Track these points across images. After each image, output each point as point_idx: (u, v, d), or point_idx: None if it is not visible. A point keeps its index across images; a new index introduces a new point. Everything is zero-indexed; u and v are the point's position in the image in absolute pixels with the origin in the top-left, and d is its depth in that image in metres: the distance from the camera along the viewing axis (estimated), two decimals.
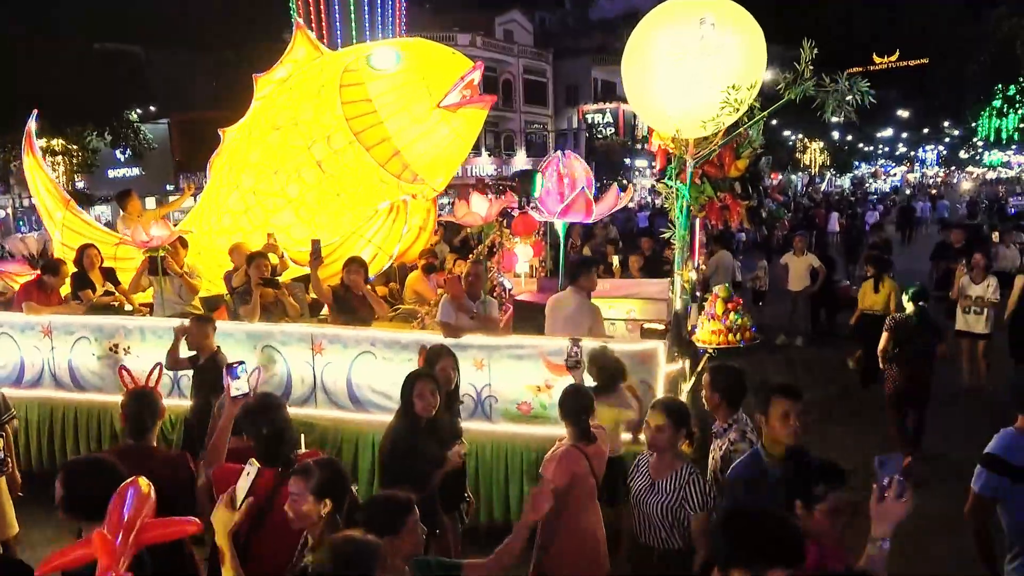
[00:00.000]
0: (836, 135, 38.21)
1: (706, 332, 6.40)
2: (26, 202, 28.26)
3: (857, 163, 50.84)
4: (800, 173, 37.04)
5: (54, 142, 25.95)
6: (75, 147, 25.84)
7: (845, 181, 47.34)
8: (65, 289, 6.73)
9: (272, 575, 2.77)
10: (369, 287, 5.66)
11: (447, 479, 3.83)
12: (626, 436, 4.35)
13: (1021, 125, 33.54)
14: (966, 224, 18.15)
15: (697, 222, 5.93)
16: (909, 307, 6.51)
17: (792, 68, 5.33)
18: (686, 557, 3.18)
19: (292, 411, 5.23)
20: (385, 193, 6.14)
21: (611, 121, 35.22)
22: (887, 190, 44.04)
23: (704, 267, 8.20)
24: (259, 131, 6.38)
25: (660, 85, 5.62)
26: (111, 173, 30.00)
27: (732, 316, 6.55)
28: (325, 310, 6.58)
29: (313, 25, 20.40)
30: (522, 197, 5.08)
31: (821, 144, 36.42)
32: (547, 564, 3.45)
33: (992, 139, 38.65)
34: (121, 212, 9.00)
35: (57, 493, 2.68)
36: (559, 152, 6.29)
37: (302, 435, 5.34)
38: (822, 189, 37.54)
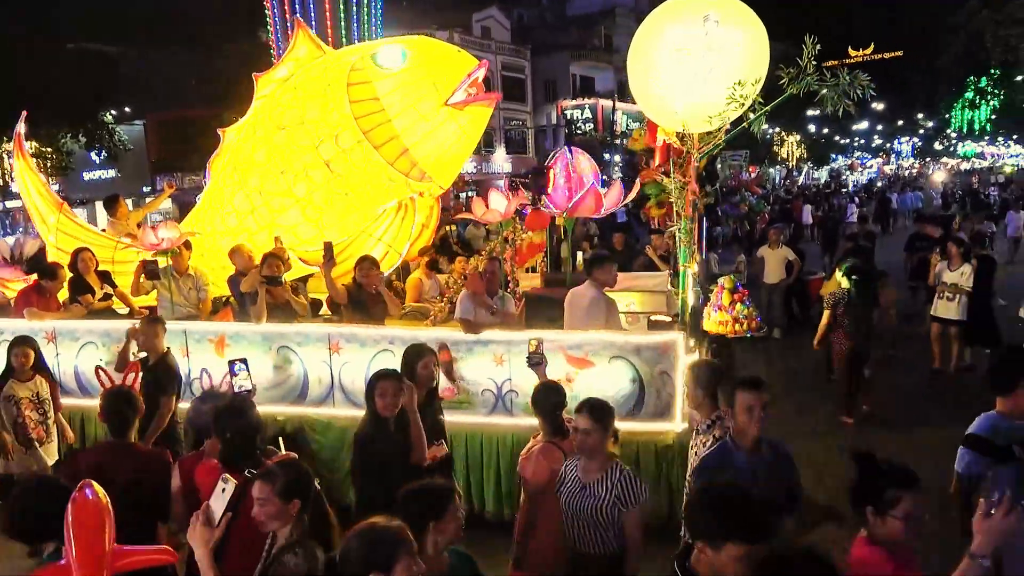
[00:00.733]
0: (812, 128, 38.87)
1: (713, 322, 6.54)
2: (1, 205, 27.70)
3: (834, 156, 51.73)
4: (777, 166, 37.57)
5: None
6: (49, 150, 25.32)
7: (822, 174, 48.15)
8: (63, 294, 6.64)
9: None
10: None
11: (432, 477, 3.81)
12: None
13: (993, 116, 34.47)
14: (939, 215, 18.58)
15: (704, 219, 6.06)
16: (844, 282, 7.11)
17: (789, 63, 5.44)
18: (623, 560, 3.16)
19: (310, 411, 5.36)
20: (393, 191, 6.14)
21: (590, 117, 35.34)
22: (864, 182, 44.89)
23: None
24: (264, 131, 6.34)
25: (665, 81, 5.69)
26: (86, 175, 29.50)
27: (739, 306, 6.70)
28: (324, 309, 6.58)
29: (288, 24, 20.27)
30: (534, 194, 5.13)
31: (798, 137, 36.98)
32: (526, 559, 3.46)
33: (965, 131, 39.62)
34: (108, 217, 8.92)
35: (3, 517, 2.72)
36: (566, 149, 6.34)
37: (316, 435, 5.38)
38: (799, 182, 38.17)
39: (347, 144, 5.89)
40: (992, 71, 31.14)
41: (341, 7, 20.11)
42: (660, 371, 4.76)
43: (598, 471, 3.18)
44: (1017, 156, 52.38)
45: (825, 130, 40.22)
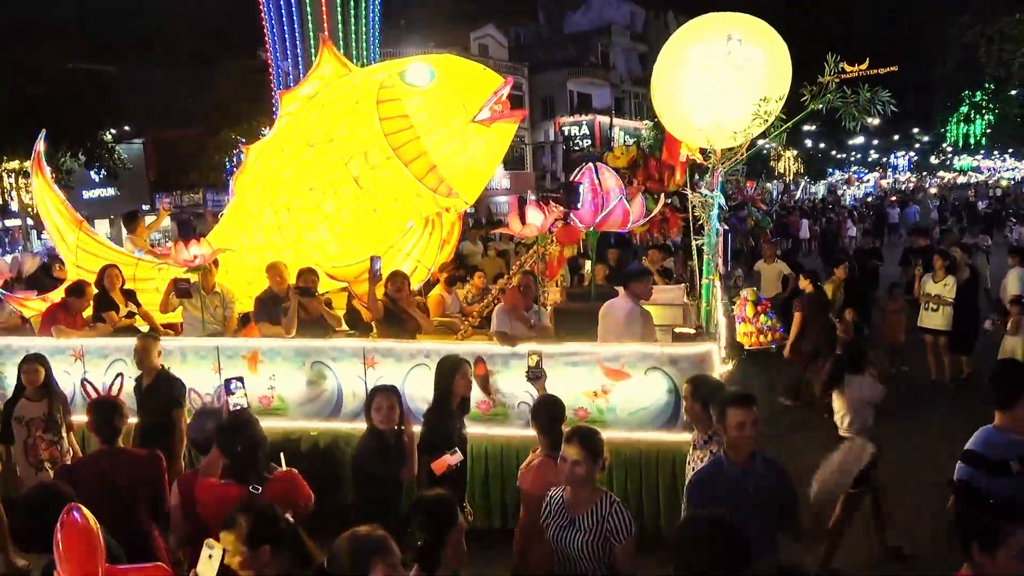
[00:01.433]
0: (809, 143, 39.27)
1: (738, 334, 6.64)
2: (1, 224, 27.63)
3: (831, 170, 52.26)
4: (775, 181, 37.94)
5: (27, 164, 25.40)
6: (49, 168, 25.32)
7: (819, 188, 48.61)
8: (87, 312, 6.65)
9: None
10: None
11: (443, 488, 3.81)
12: None
13: (988, 130, 34.89)
14: (937, 228, 18.84)
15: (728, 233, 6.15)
16: (807, 286, 7.61)
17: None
18: None
19: (344, 425, 5.37)
20: (420, 207, 6.20)
21: (587, 133, 35.62)
22: (861, 196, 45.34)
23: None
24: (291, 147, 6.39)
25: (689, 98, 5.80)
26: (86, 194, 29.49)
27: (762, 318, 6.81)
28: (342, 325, 6.57)
29: (288, 45, 20.43)
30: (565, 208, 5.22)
31: (795, 152, 37.39)
32: (527, 571, 3.47)
33: (960, 144, 40.10)
34: (127, 233, 8.95)
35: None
36: (592, 165, 6.44)
37: (350, 449, 5.39)
38: (796, 197, 38.47)
39: (376, 161, 5.95)
40: (986, 85, 31.64)
41: (339, 27, 20.33)
42: None
43: (587, 503, 3.04)
44: (1013, 170, 53.20)
45: (822, 145, 40.69)
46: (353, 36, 21.79)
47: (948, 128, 40.41)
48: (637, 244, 12.76)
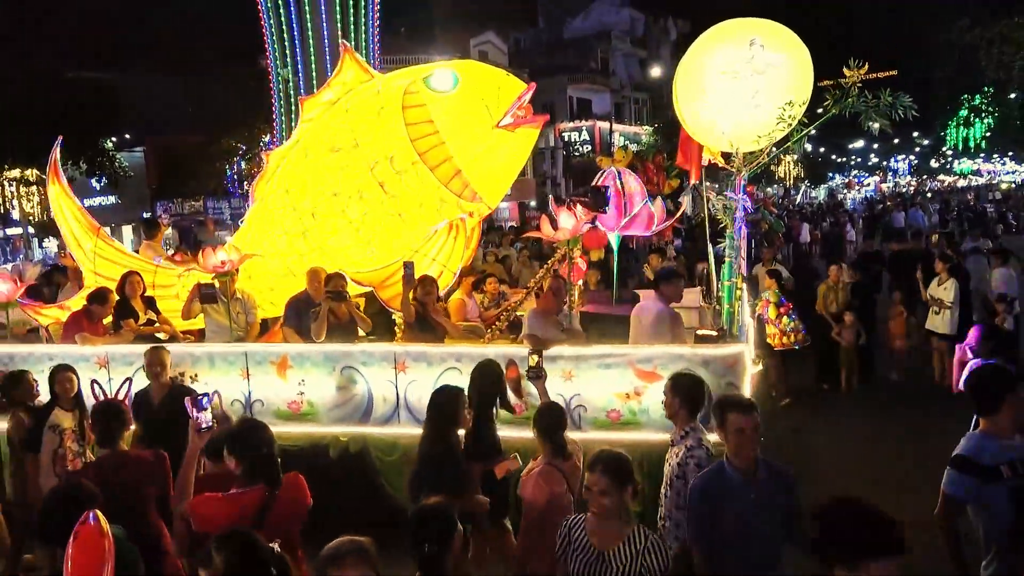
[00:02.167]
0: (809, 147, 39.51)
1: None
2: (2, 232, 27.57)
3: (831, 174, 52.51)
4: (775, 185, 38.13)
5: (28, 172, 25.40)
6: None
7: (820, 192, 48.83)
8: (106, 319, 6.64)
9: None
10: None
11: (493, 489, 3.85)
12: None
13: (988, 134, 35.08)
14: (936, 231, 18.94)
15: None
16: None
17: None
18: None
19: (374, 430, 5.38)
20: (444, 212, 6.22)
21: (587, 139, 35.72)
22: (861, 199, 45.56)
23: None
24: (315, 153, 6.42)
25: (712, 102, 5.85)
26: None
27: (785, 319, 6.84)
28: None
29: (288, 52, 20.45)
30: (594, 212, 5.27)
31: (795, 156, 37.62)
32: None
33: (960, 148, 40.34)
34: (145, 240, 8.96)
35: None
36: (615, 170, 6.47)
37: (381, 454, 5.41)
38: (796, 201, 38.61)
39: (401, 166, 5.98)
40: (986, 88, 31.83)
41: (339, 34, 20.38)
42: (727, 383, 4.83)
43: (617, 537, 2.82)
44: (1013, 173, 53.53)
45: (822, 149, 40.90)
46: (352, 43, 21.82)
47: (947, 131, 40.66)
48: (635, 249, 12.80)
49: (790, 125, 5.64)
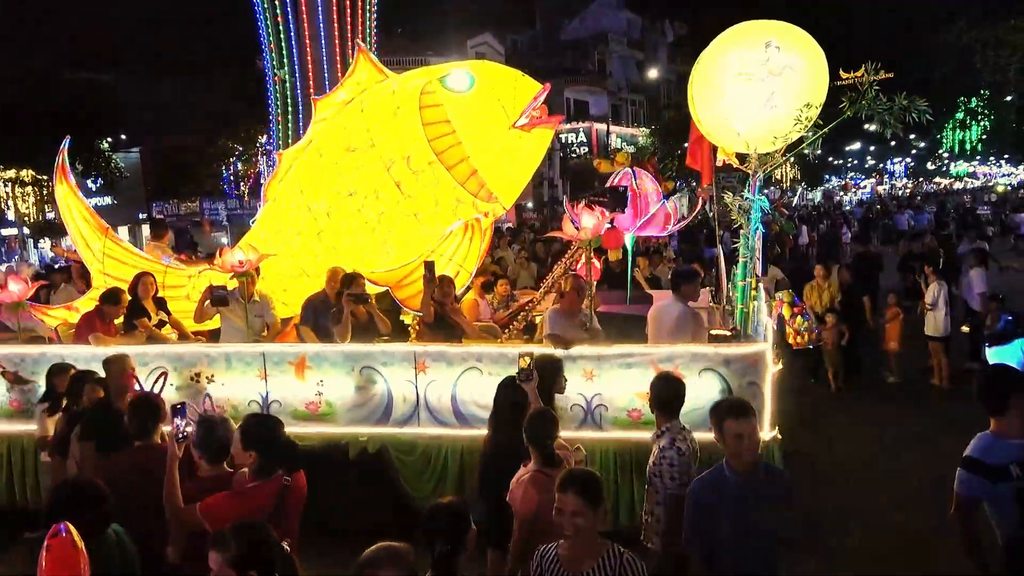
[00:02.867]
0: (807, 150, 39.38)
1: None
2: None
3: (827, 176, 52.71)
4: (771, 187, 38.30)
5: (24, 173, 25.26)
6: (45, 177, 25.19)
7: (817, 195, 49.02)
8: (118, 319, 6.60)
9: None
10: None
11: (501, 512, 3.63)
12: None
13: (984, 137, 35.34)
14: (934, 233, 19.07)
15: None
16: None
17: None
18: None
19: (394, 430, 5.37)
20: (460, 212, 6.22)
21: (584, 140, 35.77)
22: (857, 201, 45.79)
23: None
24: (329, 153, 6.40)
25: (728, 103, 5.87)
26: None
27: (799, 320, 6.84)
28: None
29: (285, 55, 20.42)
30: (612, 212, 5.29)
31: (792, 158, 37.73)
32: None
33: (957, 151, 40.65)
34: (152, 241, 8.92)
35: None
36: (630, 170, 6.48)
37: (400, 454, 5.40)
38: (794, 203, 38.71)
39: (418, 165, 5.97)
40: (982, 91, 32.03)
41: (336, 36, 20.34)
42: (748, 382, 4.86)
43: (592, 559, 2.78)
44: (1009, 176, 53.94)
45: (819, 151, 41.00)
46: (350, 44, 21.84)
47: (944, 134, 40.94)
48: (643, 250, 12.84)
49: (806, 127, 5.68)
